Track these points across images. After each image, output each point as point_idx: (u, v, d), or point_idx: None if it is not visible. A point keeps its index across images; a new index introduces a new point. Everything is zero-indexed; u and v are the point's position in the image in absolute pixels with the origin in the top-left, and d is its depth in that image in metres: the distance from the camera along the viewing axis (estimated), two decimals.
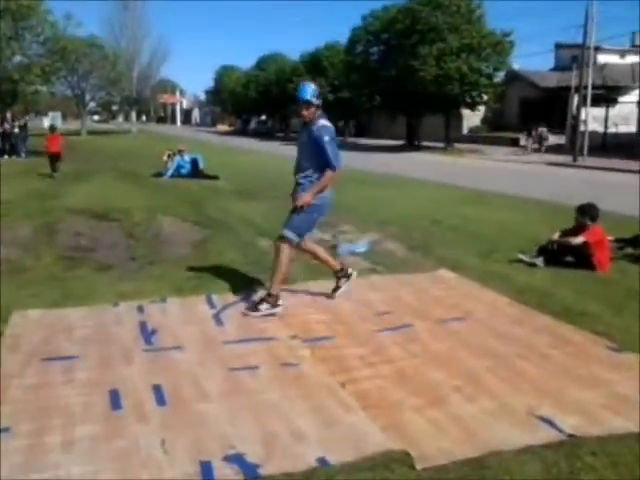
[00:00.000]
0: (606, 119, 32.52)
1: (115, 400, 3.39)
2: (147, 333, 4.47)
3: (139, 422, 3.15)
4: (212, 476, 2.67)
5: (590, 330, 4.57)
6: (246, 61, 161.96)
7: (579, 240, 6.42)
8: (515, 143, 34.79)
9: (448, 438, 3.00)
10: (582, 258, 6.41)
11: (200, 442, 2.95)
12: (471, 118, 40.82)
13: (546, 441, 2.96)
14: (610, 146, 30.46)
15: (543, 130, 31.49)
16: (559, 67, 40.58)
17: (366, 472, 2.72)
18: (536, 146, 31.13)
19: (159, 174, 16.10)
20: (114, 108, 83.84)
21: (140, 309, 5.00)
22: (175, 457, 2.82)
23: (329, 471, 2.73)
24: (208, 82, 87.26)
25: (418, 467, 2.74)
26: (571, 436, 3.00)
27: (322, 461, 2.79)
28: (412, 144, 36.14)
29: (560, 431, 3.05)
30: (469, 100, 32.43)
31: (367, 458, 2.82)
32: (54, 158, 16.34)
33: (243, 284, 5.74)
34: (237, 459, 2.80)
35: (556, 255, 6.60)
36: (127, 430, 3.06)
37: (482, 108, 37.28)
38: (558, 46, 42.74)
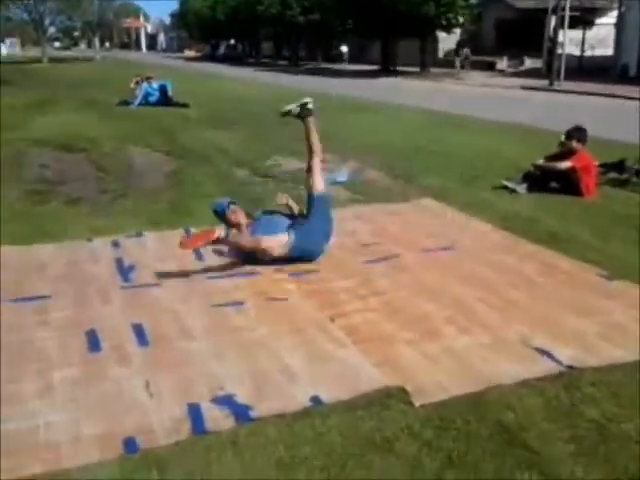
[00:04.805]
0: (583, 42, 32.02)
1: (93, 341, 3.21)
2: (124, 269, 4.26)
3: (120, 364, 2.98)
4: (202, 419, 2.54)
5: (579, 257, 4.48)
6: None
7: (566, 165, 6.28)
8: (491, 67, 34.42)
9: (444, 372, 2.90)
10: (568, 183, 6.29)
11: (187, 383, 2.81)
12: (446, 41, 39.83)
13: (544, 373, 2.87)
14: (586, 69, 30.12)
15: (467, 51, 35.53)
16: None
17: (362, 410, 2.60)
18: (460, 65, 34.57)
19: (126, 102, 15.42)
20: (76, 34, 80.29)
21: (115, 244, 4.78)
22: (161, 400, 2.67)
23: (323, 410, 2.61)
24: (173, 5, 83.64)
25: (416, 404, 2.63)
26: (570, 367, 2.92)
27: (315, 400, 2.67)
28: (388, 69, 35.26)
29: (558, 362, 2.97)
30: (445, 22, 31.52)
31: (362, 395, 2.70)
32: None
33: None
34: (227, 401, 2.66)
35: (541, 181, 6.47)
36: (108, 373, 2.90)
37: (458, 31, 36.40)
38: None
